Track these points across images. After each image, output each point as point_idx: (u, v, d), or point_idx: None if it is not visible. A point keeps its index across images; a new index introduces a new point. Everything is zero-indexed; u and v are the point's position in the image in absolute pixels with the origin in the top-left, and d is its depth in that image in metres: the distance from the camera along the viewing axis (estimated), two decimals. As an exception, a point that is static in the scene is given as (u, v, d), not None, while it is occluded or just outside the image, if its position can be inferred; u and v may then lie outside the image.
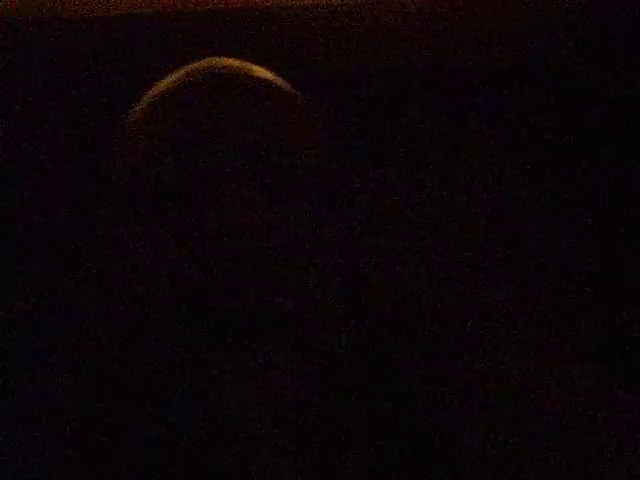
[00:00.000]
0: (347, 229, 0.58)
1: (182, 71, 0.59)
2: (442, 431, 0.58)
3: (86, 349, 0.61)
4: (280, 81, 0.60)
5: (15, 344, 0.96)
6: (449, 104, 1.17)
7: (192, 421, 0.51)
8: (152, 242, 0.52)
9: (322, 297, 0.53)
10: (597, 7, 1.07)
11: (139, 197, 0.54)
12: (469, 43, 1.13)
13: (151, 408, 0.53)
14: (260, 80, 0.59)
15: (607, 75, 1.12)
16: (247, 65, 0.61)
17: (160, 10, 1.09)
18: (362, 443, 0.55)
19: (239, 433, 0.50)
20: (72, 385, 0.62)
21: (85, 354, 0.61)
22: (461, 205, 1.13)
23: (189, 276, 0.51)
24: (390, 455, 0.57)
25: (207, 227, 0.51)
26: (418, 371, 0.59)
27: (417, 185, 1.14)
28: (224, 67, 0.60)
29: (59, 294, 0.92)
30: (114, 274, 0.55)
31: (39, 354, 0.87)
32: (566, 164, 1.14)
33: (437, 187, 1.15)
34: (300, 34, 1.10)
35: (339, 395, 0.54)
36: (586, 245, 1.11)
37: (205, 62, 0.61)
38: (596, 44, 1.11)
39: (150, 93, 0.60)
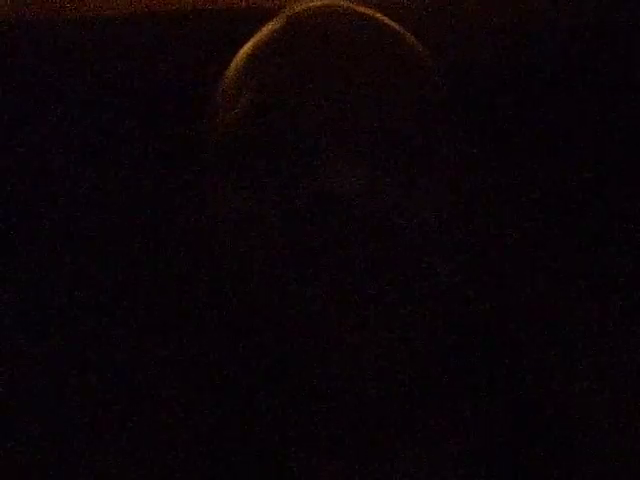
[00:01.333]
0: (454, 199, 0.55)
1: (282, 17, 0.55)
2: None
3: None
4: (388, 21, 0.55)
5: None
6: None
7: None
8: (254, 204, 0.49)
9: (427, 263, 0.50)
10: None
11: (244, 156, 0.51)
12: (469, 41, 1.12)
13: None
14: (367, 21, 0.54)
15: (608, 73, 1.12)
16: (352, 7, 0.55)
17: (160, 10, 1.09)
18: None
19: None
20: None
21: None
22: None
23: (292, 238, 0.48)
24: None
25: (313, 190, 0.47)
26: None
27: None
28: (327, 11, 0.55)
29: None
30: (215, 235, 0.53)
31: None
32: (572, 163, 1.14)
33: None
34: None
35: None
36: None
37: (304, 7, 0.56)
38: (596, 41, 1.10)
39: (251, 44, 0.56)
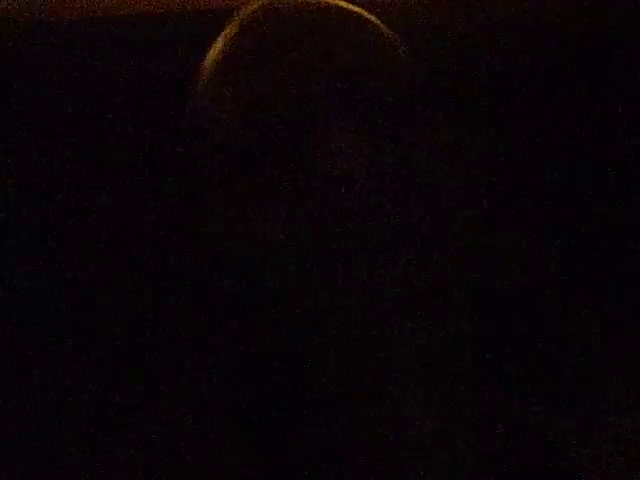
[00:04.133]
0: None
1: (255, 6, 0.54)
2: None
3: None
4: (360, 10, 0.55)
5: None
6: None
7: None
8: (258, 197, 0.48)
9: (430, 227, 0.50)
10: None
11: (236, 152, 0.50)
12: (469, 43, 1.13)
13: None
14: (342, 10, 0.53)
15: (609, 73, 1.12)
16: None
17: (160, 10, 1.09)
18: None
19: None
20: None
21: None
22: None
23: (300, 223, 0.47)
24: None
25: (318, 170, 0.47)
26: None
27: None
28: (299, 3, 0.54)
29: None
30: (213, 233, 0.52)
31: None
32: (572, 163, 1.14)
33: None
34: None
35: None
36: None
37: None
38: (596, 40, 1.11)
39: (226, 34, 0.55)
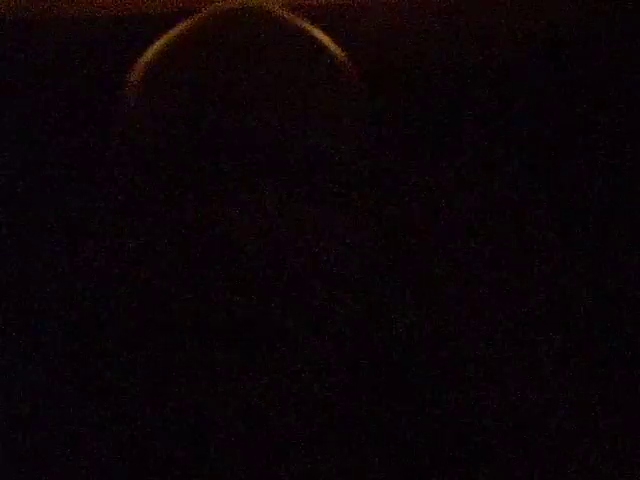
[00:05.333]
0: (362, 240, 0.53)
1: (188, 23, 0.52)
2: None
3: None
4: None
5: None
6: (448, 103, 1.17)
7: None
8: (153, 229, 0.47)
9: (326, 310, 0.49)
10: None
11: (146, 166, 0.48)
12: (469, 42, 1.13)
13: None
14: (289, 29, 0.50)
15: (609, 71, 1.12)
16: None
17: (160, 10, 1.09)
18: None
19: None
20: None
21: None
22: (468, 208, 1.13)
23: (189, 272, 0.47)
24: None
25: (215, 227, 0.45)
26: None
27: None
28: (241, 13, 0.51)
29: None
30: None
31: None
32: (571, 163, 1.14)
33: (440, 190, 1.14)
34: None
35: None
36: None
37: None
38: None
39: (155, 47, 0.53)
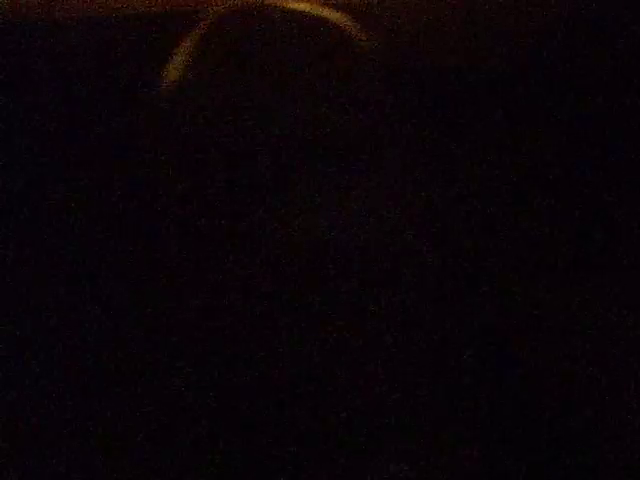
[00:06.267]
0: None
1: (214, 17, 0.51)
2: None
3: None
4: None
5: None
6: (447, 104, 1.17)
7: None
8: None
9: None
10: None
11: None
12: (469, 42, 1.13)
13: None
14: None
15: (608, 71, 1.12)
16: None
17: (160, 10, 1.09)
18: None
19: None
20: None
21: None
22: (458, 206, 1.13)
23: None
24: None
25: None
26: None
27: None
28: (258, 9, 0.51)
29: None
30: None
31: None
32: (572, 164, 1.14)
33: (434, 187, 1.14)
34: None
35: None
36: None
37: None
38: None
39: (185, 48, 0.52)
